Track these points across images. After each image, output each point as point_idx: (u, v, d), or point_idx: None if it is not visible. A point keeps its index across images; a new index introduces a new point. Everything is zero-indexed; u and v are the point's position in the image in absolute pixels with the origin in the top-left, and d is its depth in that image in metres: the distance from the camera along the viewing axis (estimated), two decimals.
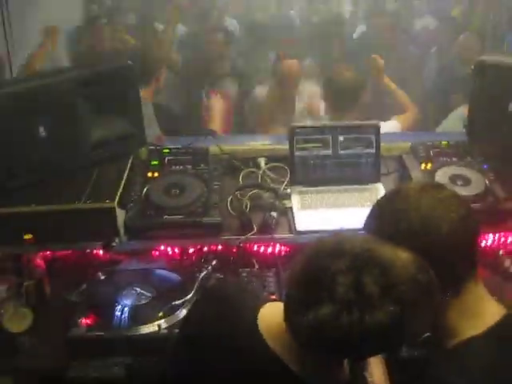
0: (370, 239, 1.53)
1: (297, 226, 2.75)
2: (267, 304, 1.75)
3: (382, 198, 1.84)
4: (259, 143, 3.34)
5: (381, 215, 1.75)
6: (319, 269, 1.43)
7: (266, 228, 2.73)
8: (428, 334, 1.76)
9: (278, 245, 2.84)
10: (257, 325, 1.66)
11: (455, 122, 4.18)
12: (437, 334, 1.74)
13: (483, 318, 1.70)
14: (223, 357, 1.68)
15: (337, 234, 1.54)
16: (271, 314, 1.64)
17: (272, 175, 3.09)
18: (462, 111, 4.05)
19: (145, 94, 4.21)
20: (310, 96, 4.94)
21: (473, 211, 1.76)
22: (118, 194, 2.75)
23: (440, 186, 1.81)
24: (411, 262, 1.47)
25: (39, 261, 2.81)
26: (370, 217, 1.79)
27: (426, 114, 4.95)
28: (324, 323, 1.38)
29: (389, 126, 4.17)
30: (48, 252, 2.85)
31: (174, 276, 2.76)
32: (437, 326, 1.69)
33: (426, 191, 1.73)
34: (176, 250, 2.85)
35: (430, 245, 1.60)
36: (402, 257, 1.47)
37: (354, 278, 1.38)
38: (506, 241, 2.94)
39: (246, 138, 3.59)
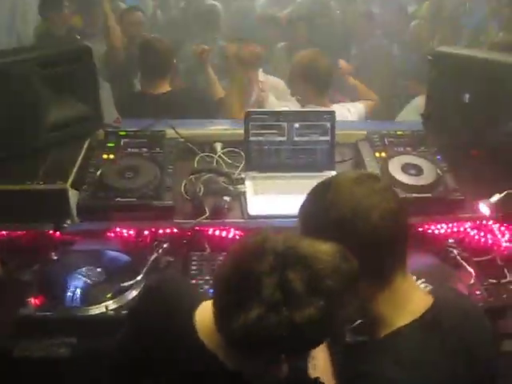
0: (292, 236, 1.55)
1: (249, 210, 2.78)
2: (203, 303, 1.74)
3: (316, 186, 1.84)
4: (217, 128, 3.35)
5: (314, 204, 1.77)
6: (244, 272, 1.44)
7: (219, 212, 2.76)
8: (360, 321, 1.80)
9: (231, 229, 2.86)
10: (193, 324, 1.67)
11: (413, 111, 4.22)
12: (369, 324, 1.78)
13: (412, 308, 1.73)
14: (162, 354, 1.70)
15: (258, 234, 1.54)
16: (206, 314, 1.63)
17: (228, 160, 3.11)
18: (421, 101, 4.08)
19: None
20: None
21: (405, 205, 1.78)
22: (72, 176, 2.77)
23: (375, 178, 1.82)
24: (333, 252, 1.49)
25: None
26: (303, 205, 1.81)
27: (387, 102, 4.99)
28: (254, 326, 1.39)
29: (357, 107, 4.29)
30: (1, 232, 2.84)
31: (126, 258, 2.76)
32: (368, 317, 1.74)
33: (359, 182, 1.74)
34: (130, 232, 2.86)
35: (359, 234, 1.63)
36: (324, 249, 1.49)
37: (279, 278, 1.40)
38: (454, 230, 2.99)
39: (204, 122, 3.59)
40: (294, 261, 1.43)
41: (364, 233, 1.64)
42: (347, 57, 6.06)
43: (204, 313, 1.67)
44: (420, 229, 2.94)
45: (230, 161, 3.11)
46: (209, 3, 6.90)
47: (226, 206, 2.76)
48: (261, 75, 4.76)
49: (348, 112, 4.20)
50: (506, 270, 2.90)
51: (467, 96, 3.12)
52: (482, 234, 3.06)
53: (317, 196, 1.79)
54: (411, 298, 1.76)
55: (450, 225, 2.97)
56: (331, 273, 1.44)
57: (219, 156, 3.12)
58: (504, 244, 3.05)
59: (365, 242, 1.63)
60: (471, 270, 2.77)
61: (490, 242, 3.05)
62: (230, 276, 1.49)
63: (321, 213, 1.71)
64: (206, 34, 6.15)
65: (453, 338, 1.71)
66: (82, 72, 2.93)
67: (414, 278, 2.29)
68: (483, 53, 3.31)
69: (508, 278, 2.85)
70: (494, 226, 3.05)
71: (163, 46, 4.51)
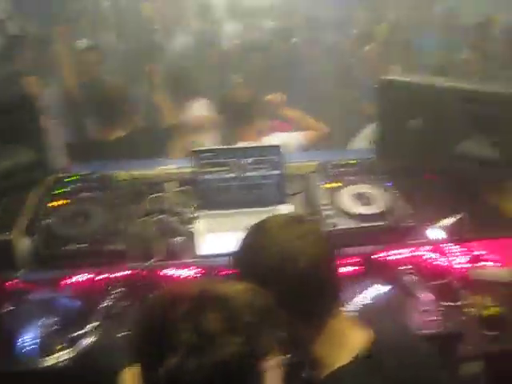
0: (205, 280, 1.57)
1: (200, 250, 2.76)
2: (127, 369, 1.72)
3: (248, 230, 1.87)
4: (168, 167, 3.35)
5: (244, 248, 1.80)
6: (161, 321, 1.43)
7: (171, 253, 2.74)
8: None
9: (184, 269, 2.84)
10: None
11: (365, 139, 4.27)
12: (312, 365, 1.78)
13: (350, 347, 1.74)
14: None
15: (173, 283, 1.56)
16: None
17: (179, 199, 3.10)
18: (370, 129, 4.13)
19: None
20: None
21: (333, 247, 1.82)
22: (22, 225, 2.73)
23: (302, 220, 1.85)
24: (246, 290, 1.49)
25: None
26: (236, 251, 1.83)
27: (339, 131, 5.01)
28: (176, 373, 1.37)
29: (293, 137, 4.23)
30: None
31: (79, 305, 2.72)
32: (310, 359, 1.75)
33: (286, 226, 1.78)
34: (84, 279, 2.82)
35: (288, 279, 1.65)
36: (237, 288, 1.49)
37: (194, 322, 1.39)
38: (408, 256, 3.01)
39: (155, 162, 3.59)
40: (209, 303, 1.43)
41: (293, 278, 1.67)
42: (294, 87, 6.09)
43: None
44: (374, 257, 2.95)
45: (182, 199, 3.10)
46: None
47: (178, 247, 2.75)
48: None
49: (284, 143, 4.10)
50: (462, 292, 2.92)
51: (416, 122, 3.18)
52: (437, 258, 3.08)
53: (247, 240, 1.81)
54: (349, 338, 1.77)
55: (404, 251, 2.99)
56: (246, 309, 1.44)
57: (171, 195, 3.11)
58: (459, 266, 3.08)
59: (295, 287, 1.66)
60: (427, 296, 2.79)
61: (445, 265, 3.06)
62: (148, 326, 1.48)
63: (251, 257, 1.74)
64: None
65: (394, 375, 1.71)
66: (26, 120, 2.93)
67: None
68: (430, 79, 3.37)
69: (464, 301, 2.88)
70: (447, 249, 3.08)
71: (114, 90, 4.42)
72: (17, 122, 2.88)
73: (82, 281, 2.80)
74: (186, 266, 2.80)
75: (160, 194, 3.13)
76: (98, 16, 8.69)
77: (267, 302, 1.51)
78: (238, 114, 4.11)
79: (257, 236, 1.78)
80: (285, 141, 4.04)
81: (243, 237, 1.84)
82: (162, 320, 1.43)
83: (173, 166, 3.36)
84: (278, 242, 1.71)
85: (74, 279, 2.78)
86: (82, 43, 6.85)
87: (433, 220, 2.93)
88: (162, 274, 2.79)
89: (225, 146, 3.27)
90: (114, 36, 8.57)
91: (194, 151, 3.01)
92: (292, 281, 1.66)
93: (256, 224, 1.86)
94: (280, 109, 4.52)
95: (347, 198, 2.96)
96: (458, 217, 2.88)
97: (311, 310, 1.71)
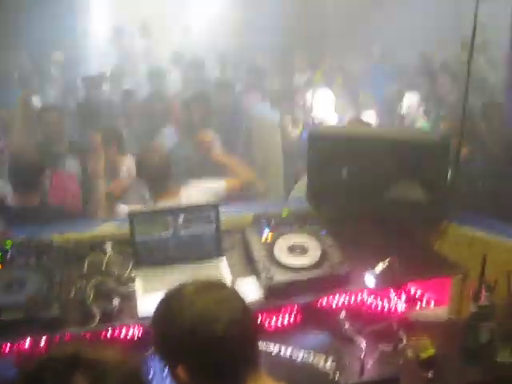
0: (78, 344, 1.59)
1: (139, 311, 2.77)
2: None
3: (165, 294, 1.91)
4: (106, 227, 3.36)
5: (161, 312, 1.83)
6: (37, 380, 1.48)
7: (108, 316, 2.73)
8: None
9: (122, 331, 2.84)
10: None
11: (302, 188, 4.33)
12: None
13: None
14: None
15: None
16: None
17: (118, 260, 3.11)
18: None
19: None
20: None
21: (250, 311, 1.85)
22: None
23: (218, 286, 1.90)
24: (115, 354, 1.55)
25: None
26: (154, 313, 1.86)
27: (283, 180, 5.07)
28: None
29: (215, 185, 4.28)
30: None
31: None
32: None
33: (201, 292, 1.82)
34: (22, 347, 2.79)
35: (204, 344, 1.68)
36: (107, 353, 1.55)
37: (64, 382, 1.44)
38: (345, 303, 3.07)
39: (92, 222, 3.60)
40: (78, 365, 1.47)
41: (209, 343, 1.70)
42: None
43: None
44: (311, 306, 3.00)
45: (120, 260, 3.11)
46: None
47: (115, 309, 2.74)
48: None
49: (203, 193, 4.14)
50: (400, 335, 2.99)
51: (345, 171, 3.26)
52: (374, 302, 3.15)
53: (164, 305, 1.85)
54: None
55: (341, 298, 3.05)
56: (114, 371, 1.49)
57: (110, 256, 3.11)
58: (396, 309, 3.15)
59: (211, 351, 1.69)
60: (365, 341, 2.85)
61: (382, 309, 3.15)
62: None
63: (167, 322, 1.77)
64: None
65: None
66: None
67: None
68: (356, 129, 3.49)
69: (402, 343, 2.94)
70: (384, 293, 3.14)
71: (31, 160, 4.27)
72: None
73: (21, 349, 2.77)
74: (127, 326, 2.81)
75: (97, 255, 3.12)
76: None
77: (132, 368, 1.56)
78: (152, 178, 4.09)
79: (174, 300, 1.81)
80: (205, 190, 4.14)
81: (161, 300, 1.88)
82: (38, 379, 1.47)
83: (109, 227, 3.37)
84: (194, 306, 1.75)
85: (12, 348, 2.76)
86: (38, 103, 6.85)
87: (368, 265, 2.99)
88: (100, 337, 2.80)
89: (160, 207, 3.30)
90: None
91: (130, 212, 3.03)
92: (208, 346, 1.69)
93: (171, 290, 1.90)
94: (211, 151, 4.56)
95: (282, 250, 3.01)
96: (392, 260, 2.95)
97: (229, 372, 1.74)
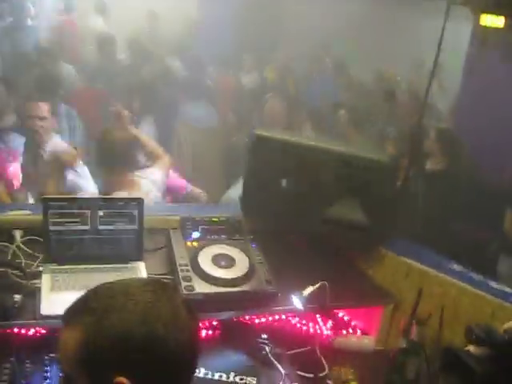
0: None
1: (41, 310, 2.49)
2: None
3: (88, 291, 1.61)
4: (17, 213, 3.06)
5: (81, 314, 1.55)
6: None
7: (8, 313, 2.45)
8: None
9: (21, 330, 2.58)
10: None
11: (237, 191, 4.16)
12: None
13: None
14: None
15: None
16: None
17: (28, 250, 2.83)
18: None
19: None
20: None
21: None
22: None
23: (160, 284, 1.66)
24: None
25: None
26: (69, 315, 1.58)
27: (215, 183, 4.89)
28: None
29: (151, 172, 4.17)
30: None
31: None
32: None
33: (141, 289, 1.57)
34: None
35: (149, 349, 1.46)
36: None
37: None
38: (268, 324, 2.89)
39: (4, 207, 3.30)
40: None
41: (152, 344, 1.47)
42: None
43: None
44: (231, 323, 2.81)
45: (30, 251, 2.83)
46: None
47: (15, 306, 2.46)
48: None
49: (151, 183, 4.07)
50: (324, 362, 2.82)
51: (286, 181, 3.09)
52: (299, 326, 2.99)
53: (93, 300, 1.56)
54: None
55: (263, 319, 2.87)
56: None
57: (17, 246, 2.83)
58: (321, 335, 3.01)
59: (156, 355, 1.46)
60: (285, 366, 2.68)
61: (306, 333, 2.99)
62: None
63: (97, 321, 1.50)
64: None
65: None
66: None
67: None
68: (303, 138, 3.32)
69: (326, 371, 2.78)
70: (310, 317, 2.99)
71: None
72: None
73: None
74: (27, 326, 2.55)
75: (6, 242, 2.84)
76: None
77: None
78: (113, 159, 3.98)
79: (108, 294, 1.54)
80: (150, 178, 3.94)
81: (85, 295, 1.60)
82: None
83: (23, 212, 3.08)
84: (135, 304, 1.50)
85: None
86: None
87: (296, 286, 2.80)
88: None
89: (79, 196, 3.04)
90: None
91: (44, 198, 2.75)
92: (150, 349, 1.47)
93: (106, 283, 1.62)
94: (124, 122, 4.39)
95: (206, 259, 2.78)
96: (322, 284, 2.76)
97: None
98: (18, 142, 5.12)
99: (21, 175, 4.70)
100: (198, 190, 4.54)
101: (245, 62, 9.25)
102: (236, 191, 4.24)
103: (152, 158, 4.39)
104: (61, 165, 4.36)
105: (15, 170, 4.71)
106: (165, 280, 2.00)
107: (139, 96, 6.24)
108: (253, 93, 7.50)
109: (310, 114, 6.91)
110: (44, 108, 4.81)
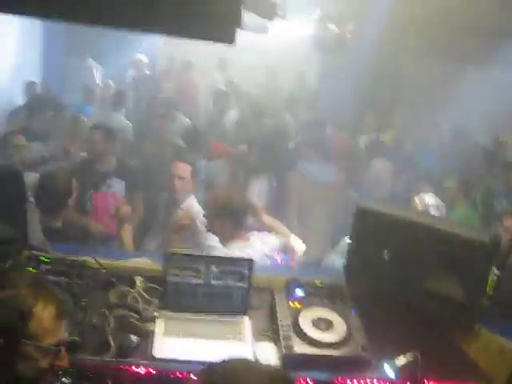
0: None
1: (155, 352, 2.76)
2: None
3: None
4: (139, 260, 3.38)
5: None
6: None
7: (125, 351, 2.74)
8: None
9: (134, 369, 2.82)
10: None
11: (342, 253, 4.27)
12: None
13: None
14: None
15: None
16: None
17: (146, 296, 3.12)
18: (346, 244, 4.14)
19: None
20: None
21: None
22: None
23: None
24: None
25: None
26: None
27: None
28: None
29: (274, 240, 4.30)
30: None
31: None
32: None
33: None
34: None
35: None
36: None
37: None
38: None
39: (128, 254, 3.63)
40: None
41: None
42: None
43: None
44: None
45: (147, 296, 3.12)
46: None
47: (132, 345, 2.75)
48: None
49: (264, 244, 4.21)
50: None
51: (387, 253, 3.22)
52: None
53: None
54: None
55: (356, 382, 2.98)
56: None
57: (137, 291, 3.13)
58: None
59: None
60: None
61: None
62: None
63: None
64: None
65: None
66: (11, 195, 2.99)
67: None
68: (406, 212, 3.44)
69: None
70: None
71: (59, 183, 4.28)
72: (2, 195, 2.95)
73: None
74: (138, 365, 2.80)
75: (128, 287, 3.14)
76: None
77: None
78: (235, 218, 4.16)
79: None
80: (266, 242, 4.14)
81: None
82: None
83: (145, 261, 3.39)
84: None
85: None
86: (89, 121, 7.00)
87: (390, 354, 2.92)
88: (111, 370, 2.79)
89: (198, 253, 3.31)
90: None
91: (168, 252, 3.06)
92: None
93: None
94: (260, 214, 4.58)
95: (306, 321, 2.97)
96: (415, 355, 2.87)
97: None
98: (119, 186, 5.43)
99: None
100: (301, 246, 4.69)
101: (365, 124, 9.33)
102: (337, 256, 4.42)
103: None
104: (190, 224, 4.62)
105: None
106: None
107: (257, 151, 6.47)
108: (367, 153, 7.60)
109: (419, 179, 6.95)
110: (186, 169, 5.04)
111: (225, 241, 4.11)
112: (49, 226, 4.17)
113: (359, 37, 8.40)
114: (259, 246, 4.14)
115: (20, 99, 8.63)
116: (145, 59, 10.91)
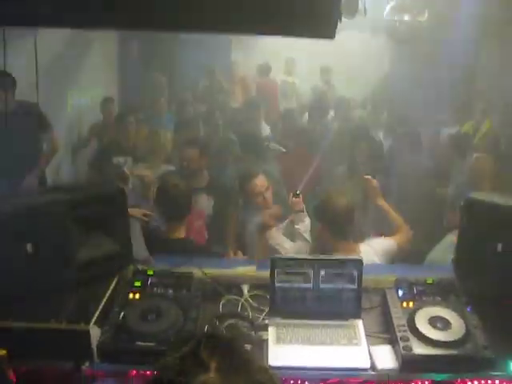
0: None
1: (270, 361, 2.71)
2: None
3: None
4: (244, 269, 3.35)
5: None
6: None
7: None
8: None
9: None
10: None
11: (445, 250, 4.12)
12: None
13: None
14: None
15: None
16: None
17: (253, 303, 3.09)
18: (451, 240, 4.01)
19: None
20: None
21: None
22: (95, 316, 2.78)
23: None
24: None
25: (12, 375, 2.79)
26: None
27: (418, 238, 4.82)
28: None
29: (386, 244, 4.18)
30: (23, 367, 2.83)
31: None
32: None
33: None
34: (148, 374, 2.81)
35: None
36: None
37: None
38: None
39: (232, 262, 3.61)
40: None
41: None
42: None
43: None
44: None
45: (255, 304, 3.09)
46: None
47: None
48: None
49: (374, 253, 4.06)
50: None
51: (500, 245, 3.07)
52: None
53: None
54: None
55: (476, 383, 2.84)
56: None
57: (246, 299, 3.10)
58: None
59: None
60: None
61: None
62: None
63: None
64: None
65: None
66: (114, 212, 3.03)
67: None
68: None
69: None
70: None
71: (179, 190, 4.26)
72: (105, 214, 2.98)
73: (147, 376, 2.79)
74: None
75: (235, 296, 3.12)
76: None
77: None
78: (336, 224, 4.00)
79: None
80: (376, 249, 4.02)
81: None
82: None
83: (249, 268, 3.36)
84: None
85: (139, 374, 2.79)
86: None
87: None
88: None
89: (304, 256, 3.26)
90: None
91: (274, 258, 3.02)
92: None
93: None
94: (376, 195, 4.51)
95: (422, 321, 2.85)
96: None
97: None
98: (206, 203, 5.33)
99: (206, 232, 5.02)
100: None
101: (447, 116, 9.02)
102: (443, 248, 4.27)
103: (391, 229, 4.43)
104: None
105: (200, 227, 5.00)
106: None
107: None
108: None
109: None
110: (264, 182, 4.75)
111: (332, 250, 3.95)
112: (172, 238, 4.16)
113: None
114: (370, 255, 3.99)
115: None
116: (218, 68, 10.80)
